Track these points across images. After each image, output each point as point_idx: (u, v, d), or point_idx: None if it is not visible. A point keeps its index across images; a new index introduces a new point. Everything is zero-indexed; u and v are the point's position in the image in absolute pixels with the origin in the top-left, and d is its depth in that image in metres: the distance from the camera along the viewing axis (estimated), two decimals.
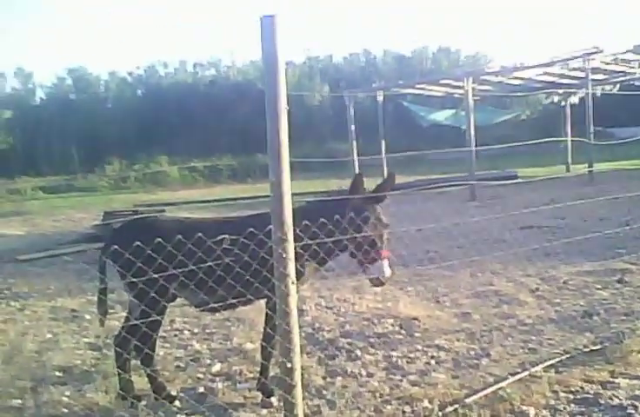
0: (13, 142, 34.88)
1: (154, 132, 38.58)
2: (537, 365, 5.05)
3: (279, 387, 3.74)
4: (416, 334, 6.13)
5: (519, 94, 28.37)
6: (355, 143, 23.06)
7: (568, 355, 5.24)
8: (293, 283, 3.72)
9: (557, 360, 5.15)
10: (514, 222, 12.05)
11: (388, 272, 4.44)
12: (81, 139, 36.23)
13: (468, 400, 4.44)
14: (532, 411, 4.32)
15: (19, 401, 4.97)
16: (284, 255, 3.68)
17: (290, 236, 3.69)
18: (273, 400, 4.63)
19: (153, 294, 4.08)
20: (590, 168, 19.32)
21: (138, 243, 3.86)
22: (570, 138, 24.70)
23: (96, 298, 4.93)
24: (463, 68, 37.72)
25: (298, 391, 3.74)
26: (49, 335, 6.66)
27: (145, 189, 25.93)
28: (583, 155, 22.21)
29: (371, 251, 4.35)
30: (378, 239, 4.38)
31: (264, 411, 4.54)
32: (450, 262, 7.54)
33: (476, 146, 18.63)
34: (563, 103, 28.10)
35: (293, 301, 3.73)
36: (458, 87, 23.44)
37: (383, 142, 24.22)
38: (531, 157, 29.78)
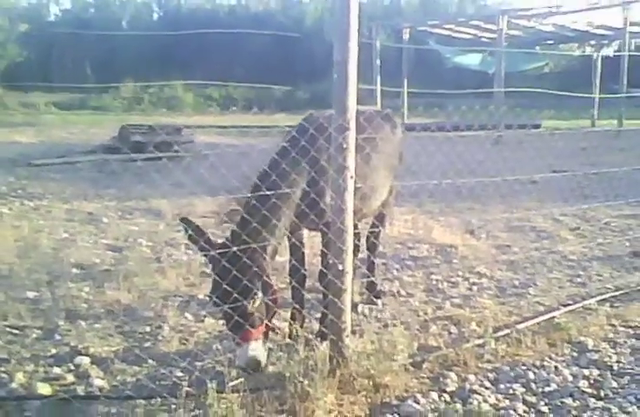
0: (28, 56, 33.96)
1: (169, 57, 37.61)
2: (591, 298, 4.72)
3: (330, 292, 3.39)
4: (454, 261, 5.80)
5: (550, 42, 27.35)
6: (379, 79, 22.16)
7: (622, 291, 4.90)
8: (352, 177, 3.31)
9: (611, 295, 4.82)
10: (545, 166, 11.59)
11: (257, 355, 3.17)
12: (95, 57, 35.32)
13: (520, 326, 4.11)
14: (590, 342, 4.01)
15: (35, 293, 4.69)
16: (345, 145, 3.25)
17: (353, 124, 3.26)
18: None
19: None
20: (620, 122, 18.75)
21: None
22: (597, 95, 23.82)
23: None
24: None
25: (348, 295, 3.41)
26: (65, 235, 6.35)
27: (159, 113, 25.34)
28: (608, 112, 21.50)
29: None
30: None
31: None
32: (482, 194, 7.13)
33: (503, 93, 17.96)
34: (594, 56, 27.07)
35: (350, 197, 3.33)
36: (488, 30, 22.50)
37: (405, 82, 23.39)
38: (555, 111, 28.94)
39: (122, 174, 9.43)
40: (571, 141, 16.21)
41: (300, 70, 35.31)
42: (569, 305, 4.60)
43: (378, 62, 22.02)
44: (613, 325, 4.30)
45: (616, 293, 4.87)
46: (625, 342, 4.05)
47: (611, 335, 4.15)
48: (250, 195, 3.37)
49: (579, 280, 5.28)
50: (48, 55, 35.27)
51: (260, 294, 3.21)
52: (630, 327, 4.28)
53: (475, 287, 5.08)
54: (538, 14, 20.51)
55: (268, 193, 3.35)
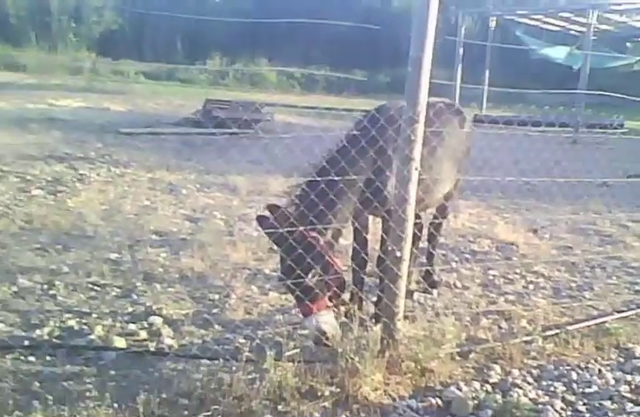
0: (122, 24, 34.96)
1: (257, 34, 38.03)
2: None
3: (386, 277, 3.60)
4: (514, 258, 5.90)
5: None
6: (459, 69, 21.90)
7: None
8: (416, 169, 3.49)
9: None
10: (620, 170, 11.41)
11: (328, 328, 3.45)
12: (186, 30, 36.04)
13: (570, 328, 4.23)
14: (638, 349, 4.09)
15: (117, 255, 5.07)
16: (412, 137, 3.43)
17: (422, 118, 3.43)
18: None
19: None
20: None
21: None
22: None
23: None
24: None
25: (403, 282, 3.60)
26: (147, 202, 6.77)
27: (242, 89, 25.77)
28: None
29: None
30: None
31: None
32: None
33: (586, 89, 17.54)
34: None
35: (413, 188, 3.50)
36: (577, 23, 21.94)
37: (487, 73, 23.06)
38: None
39: (203, 148, 9.82)
40: None
41: (383, 53, 35.15)
42: (622, 311, 4.67)
43: (461, 50, 21.74)
44: None
45: None
46: None
47: None
48: (319, 178, 3.59)
49: (637, 287, 5.31)
50: (141, 25, 36.18)
51: (316, 270, 3.43)
52: None
53: (531, 286, 5.19)
54: (631, 9, 19.91)
55: (336, 178, 3.58)
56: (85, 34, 32.94)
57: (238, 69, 29.79)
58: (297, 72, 30.84)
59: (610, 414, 3.34)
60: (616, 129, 19.60)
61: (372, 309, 4.14)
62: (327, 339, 3.40)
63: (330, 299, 3.54)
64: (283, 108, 18.85)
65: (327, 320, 3.44)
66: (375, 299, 4.24)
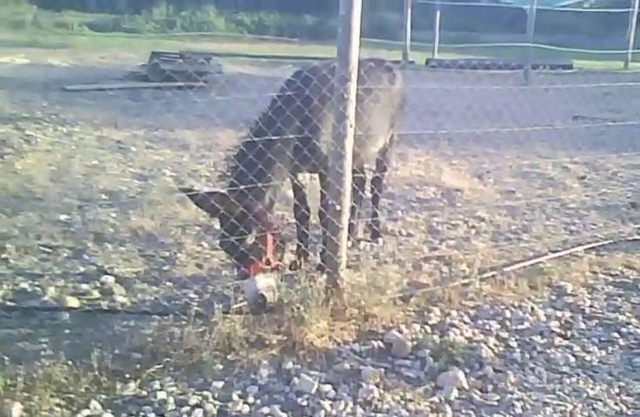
0: None
1: None
2: (579, 246, 5.03)
3: (328, 230, 3.75)
4: (458, 204, 6.11)
5: None
6: (409, 13, 21.61)
7: (610, 241, 5.21)
8: (351, 126, 3.61)
9: (600, 243, 5.13)
10: (566, 112, 11.64)
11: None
12: None
13: (506, 269, 4.47)
14: (570, 287, 4.36)
15: (67, 217, 5.12)
16: (346, 96, 3.54)
17: (354, 76, 3.54)
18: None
19: None
20: None
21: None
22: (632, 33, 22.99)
23: None
24: None
25: (344, 233, 3.76)
26: (95, 161, 6.75)
27: (191, 38, 25.11)
28: None
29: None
30: None
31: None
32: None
33: (535, 31, 17.62)
34: None
35: (349, 144, 3.64)
36: None
37: (438, 15, 22.82)
38: (589, 50, 28.08)
39: (151, 102, 9.69)
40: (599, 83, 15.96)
41: None
42: (557, 251, 4.93)
43: None
44: (595, 272, 4.64)
45: (605, 242, 5.17)
46: (602, 289, 4.40)
47: (591, 281, 4.49)
48: (256, 139, 3.69)
49: (573, 228, 5.58)
50: None
51: (254, 232, 3.54)
52: (611, 274, 4.62)
53: (472, 231, 5.42)
54: None
55: (273, 138, 3.69)
56: None
57: (185, 16, 29.06)
58: (246, 18, 30.15)
59: (538, 348, 3.60)
60: (566, 69, 19.86)
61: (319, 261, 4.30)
62: (265, 302, 3.50)
63: (268, 261, 3.63)
64: (234, 57, 18.55)
65: (265, 283, 3.54)
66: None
